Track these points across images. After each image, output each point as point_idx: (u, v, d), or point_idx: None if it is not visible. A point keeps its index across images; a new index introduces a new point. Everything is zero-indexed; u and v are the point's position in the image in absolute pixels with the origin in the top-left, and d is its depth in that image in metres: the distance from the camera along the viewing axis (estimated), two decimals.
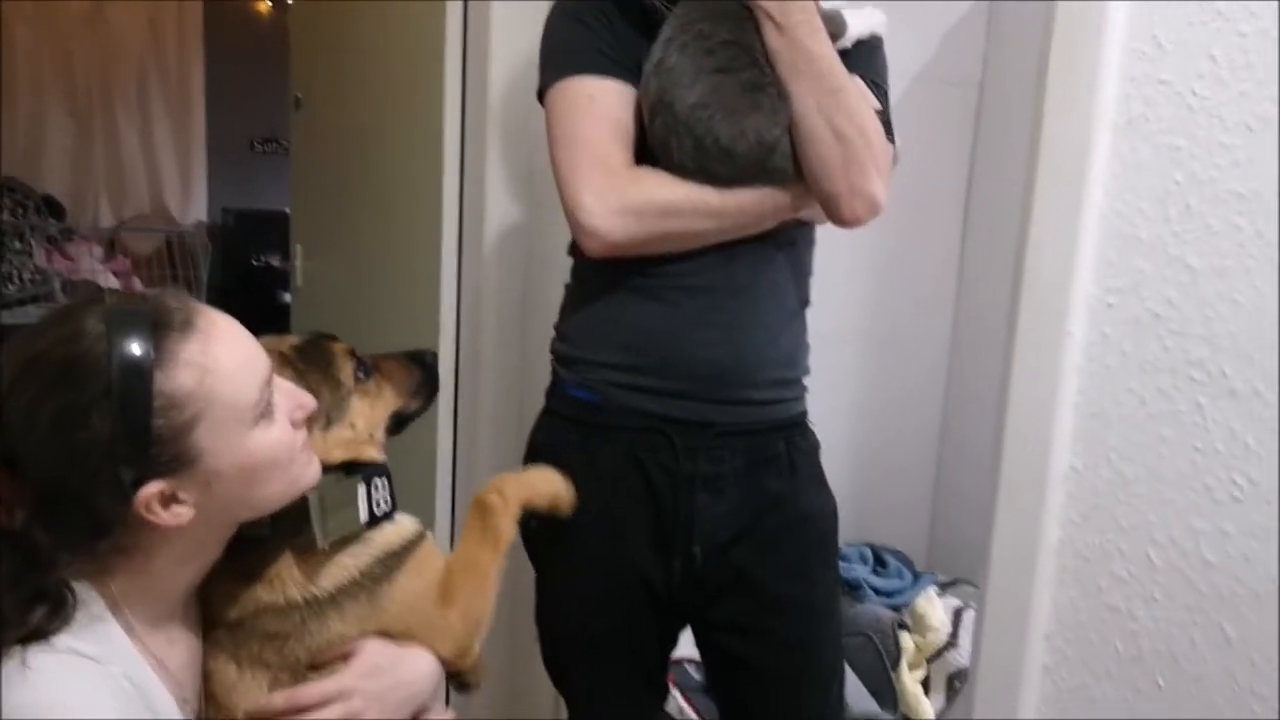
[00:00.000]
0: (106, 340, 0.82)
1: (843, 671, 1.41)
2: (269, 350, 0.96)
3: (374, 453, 1.10)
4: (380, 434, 1.12)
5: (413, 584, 1.04)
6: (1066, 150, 0.97)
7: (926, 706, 2.03)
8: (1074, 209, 0.96)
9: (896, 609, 2.17)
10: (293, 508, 0.97)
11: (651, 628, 1.29)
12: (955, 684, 2.06)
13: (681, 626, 1.35)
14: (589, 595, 1.26)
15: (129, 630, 0.89)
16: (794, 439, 1.25)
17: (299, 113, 2.66)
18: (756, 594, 1.23)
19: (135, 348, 0.82)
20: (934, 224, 2.44)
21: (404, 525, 1.08)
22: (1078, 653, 0.99)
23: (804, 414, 1.29)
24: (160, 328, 0.84)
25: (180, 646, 0.95)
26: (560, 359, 1.30)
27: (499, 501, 1.10)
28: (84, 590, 0.87)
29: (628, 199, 1.12)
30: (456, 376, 2.01)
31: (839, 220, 1.15)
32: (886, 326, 2.42)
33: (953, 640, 2.10)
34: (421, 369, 1.17)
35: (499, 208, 1.87)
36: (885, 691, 2.04)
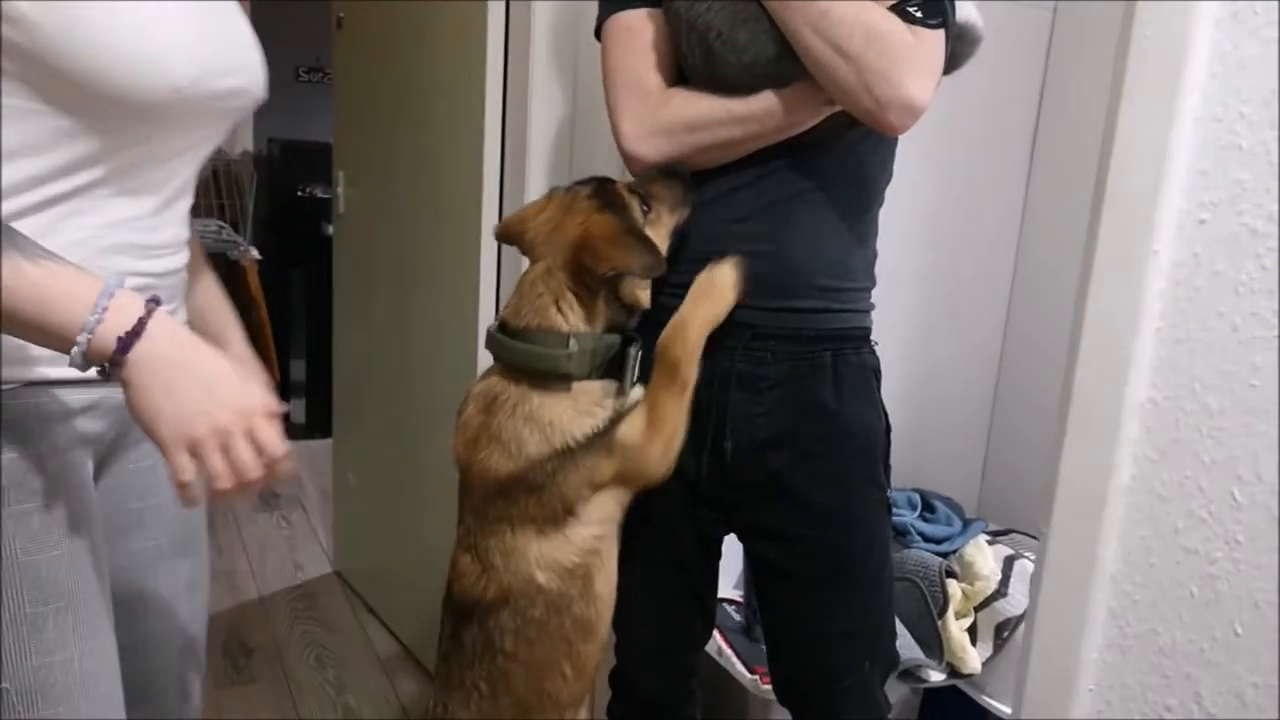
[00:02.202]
0: None
1: (889, 591, 1.38)
2: (571, 203, 1.16)
3: (647, 295, 1.18)
4: None
5: (632, 427, 1.15)
6: (1160, 48, 0.87)
7: (973, 656, 1.97)
8: (1166, 115, 0.87)
9: (944, 556, 2.10)
10: (579, 353, 1.12)
11: (690, 525, 1.30)
12: (1003, 633, 2.00)
13: (724, 532, 1.35)
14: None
15: None
16: (843, 352, 1.22)
17: (341, 33, 2.61)
18: (792, 500, 1.24)
19: None
20: (999, 156, 2.33)
21: (636, 392, 1.19)
22: (1147, 596, 0.92)
23: (860, 328, 1.25)
24: None
25: None
26: None
27: (680, 350, 1.16)
28: None
29: (658, 120, 1.18)
30: (498, 292, 1.97)
31: (882, 131, 1.09)
32: (945, 265, 2.32)
33: (1002, 589, 2.03)
34: (680, 181, 1.21)
35: (543, 120, 1.80)
36: (930, 639, 1.98)
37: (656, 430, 1.17)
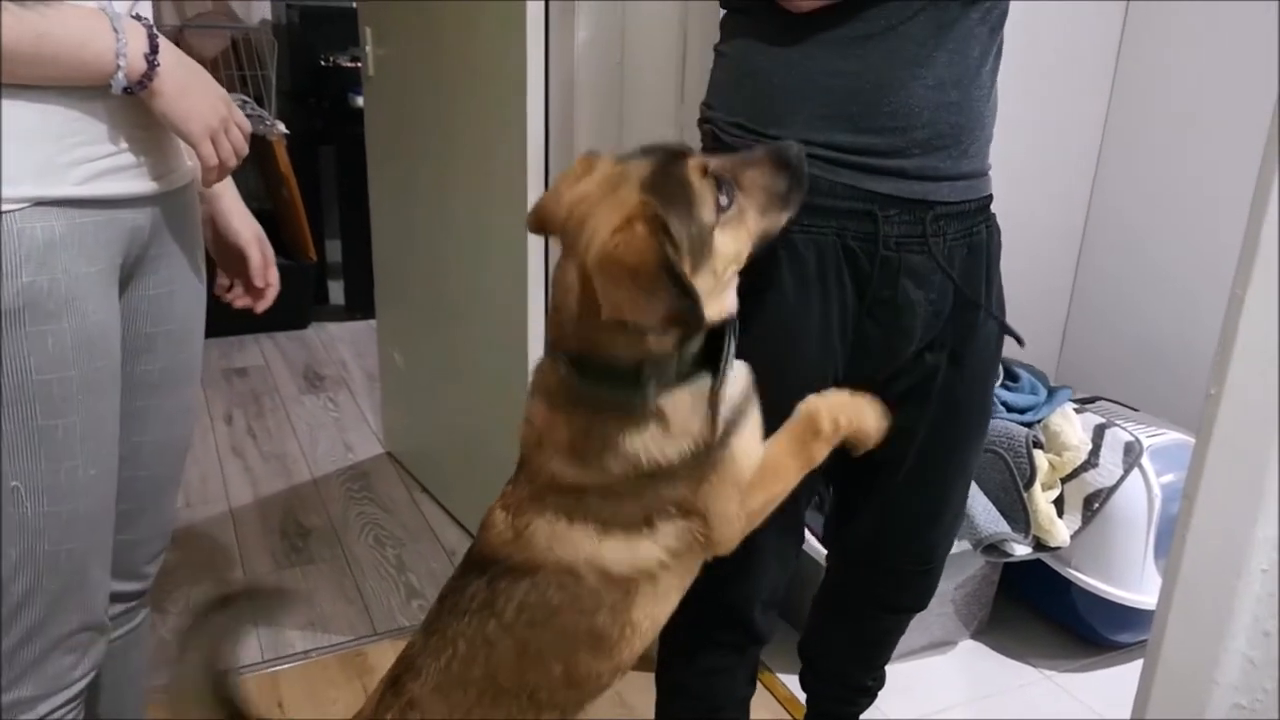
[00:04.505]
0: None
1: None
2: (617, 183, 0.92)
3: (731, 298, 0.98)
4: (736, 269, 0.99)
5: (749, 455, 1.02)
6: None
7: (1061, 529, 1.87)
8: None
9: (1029, 426, 1.98)
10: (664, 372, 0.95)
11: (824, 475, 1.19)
12: (1093, 505, 1.89)
13: None
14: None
15: None
16: (990, 223, 1.16)
17: None
18: (933, 400, 1.17)
19: None
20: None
21: (740, 374, 1.03)
22: None
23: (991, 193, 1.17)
24: None
25: None
26: (735, 133, 1.10)
27: (830, 430, 1.04)
28: None
29: None
30: (546, 153, 1.81)
31: None
32: (1029, 120, 2.12)
33: (1092, 460, 1.92)
34: (789, 175, 0.99)
35: None
36: (1016, 512, 1.88)
37: (766, 485, 1.03)
